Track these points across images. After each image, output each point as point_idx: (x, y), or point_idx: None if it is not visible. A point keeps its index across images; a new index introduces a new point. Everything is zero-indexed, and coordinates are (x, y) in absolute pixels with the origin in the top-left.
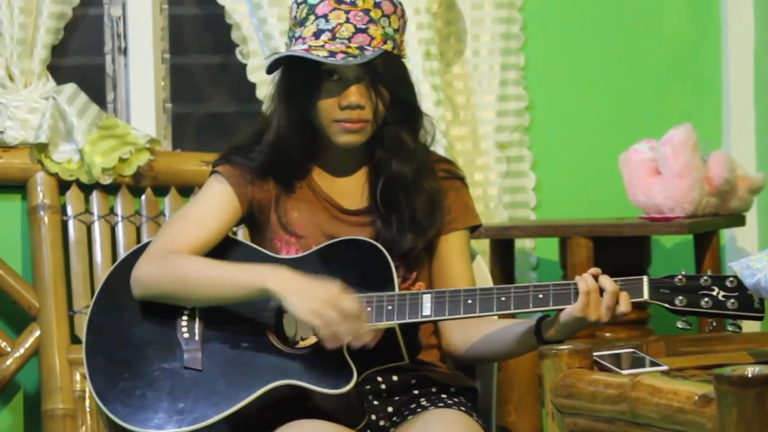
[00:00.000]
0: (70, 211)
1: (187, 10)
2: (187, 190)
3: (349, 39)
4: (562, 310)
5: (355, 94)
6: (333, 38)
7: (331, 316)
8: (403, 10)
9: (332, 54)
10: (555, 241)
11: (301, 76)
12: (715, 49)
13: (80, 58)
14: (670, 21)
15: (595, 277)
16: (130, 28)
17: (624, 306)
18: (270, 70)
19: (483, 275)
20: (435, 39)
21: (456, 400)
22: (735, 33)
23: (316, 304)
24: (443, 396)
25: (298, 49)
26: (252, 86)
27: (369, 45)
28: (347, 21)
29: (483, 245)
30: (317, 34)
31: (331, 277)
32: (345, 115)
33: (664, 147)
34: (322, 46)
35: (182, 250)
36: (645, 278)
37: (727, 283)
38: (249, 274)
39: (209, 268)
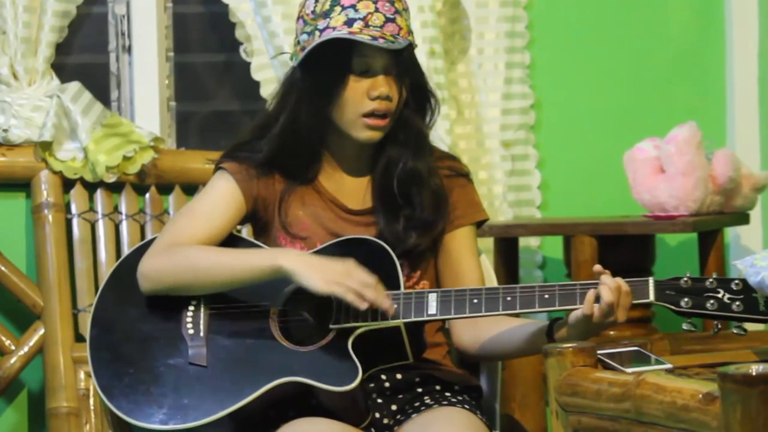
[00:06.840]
0: (74, 209)
1: (191, 8)
2: (191, 189)
3: (381, 27)
4: (570, 311)
5: (384, 84)
6: (366, 26)
7: (350, 284)
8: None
9: (374, 39)
10: (560, 239)
11: (327, 69)
12: (720, 48)
13: (84, 56)
14: (675, 20)
15: (599, 275)
16: (134, 27)
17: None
18: (303, 61)
19: (487, 274)
20: (439, 37)
21: (460, 398)
22: (739, 32)
23: (334, 276)
24: (447, 394)
25: (339, 34)
26: (256, 84)
27: (398, 34)
28: (377, 11)
29: (488, 243)
30: (349, 23)
31: None
32: (374, 105)
33: (669, 145)
34: (360, 31)
35: (187, 244)
36: (651, 280)
37: (733, 286)
38: (260, 255)
39: (218, 253)
